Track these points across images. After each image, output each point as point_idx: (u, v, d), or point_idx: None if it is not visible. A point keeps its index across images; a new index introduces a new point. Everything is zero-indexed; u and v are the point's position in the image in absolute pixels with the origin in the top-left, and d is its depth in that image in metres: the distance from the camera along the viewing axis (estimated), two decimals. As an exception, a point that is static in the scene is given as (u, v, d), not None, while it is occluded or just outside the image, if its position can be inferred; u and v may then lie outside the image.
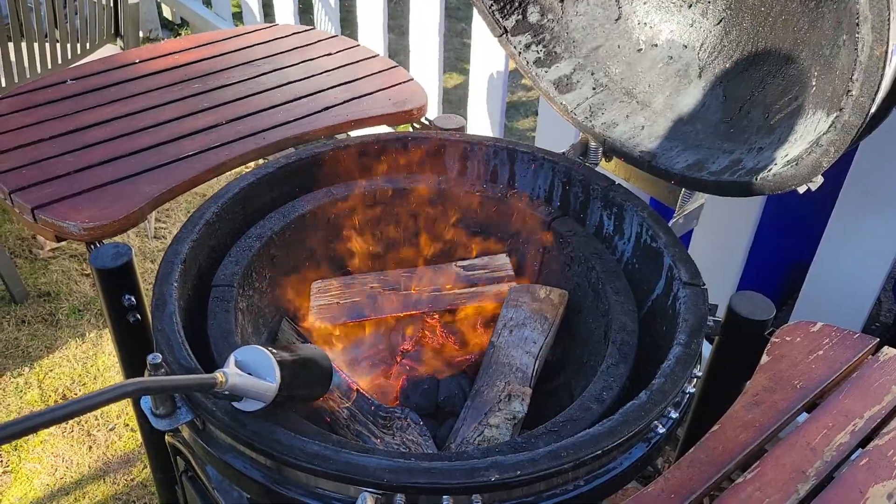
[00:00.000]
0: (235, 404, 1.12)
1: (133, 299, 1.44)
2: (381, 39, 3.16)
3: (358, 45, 2.22)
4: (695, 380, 1.27)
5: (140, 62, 2.03)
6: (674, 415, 1.19)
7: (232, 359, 1.10)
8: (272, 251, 1.57)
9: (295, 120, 1.81)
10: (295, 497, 1.11)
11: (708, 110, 1.60)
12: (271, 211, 1.61)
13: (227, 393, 1.07)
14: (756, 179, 1.36)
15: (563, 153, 1.75)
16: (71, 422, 2.72)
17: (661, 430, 1.17)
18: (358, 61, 2.11)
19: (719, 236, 2.12)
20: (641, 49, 1.73)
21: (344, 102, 1.90)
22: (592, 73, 1.75)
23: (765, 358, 1.25)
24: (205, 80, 1.96)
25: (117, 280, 1.41)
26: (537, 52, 1.74)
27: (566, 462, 1.07)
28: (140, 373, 1.18)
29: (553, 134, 2.44)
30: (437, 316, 1.63)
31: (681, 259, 1.43)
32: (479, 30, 2.67)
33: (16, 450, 2.64)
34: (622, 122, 1.70)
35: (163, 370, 1.10)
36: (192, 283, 1.43)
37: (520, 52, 1.73)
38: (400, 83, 1.99)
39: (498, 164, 1.74)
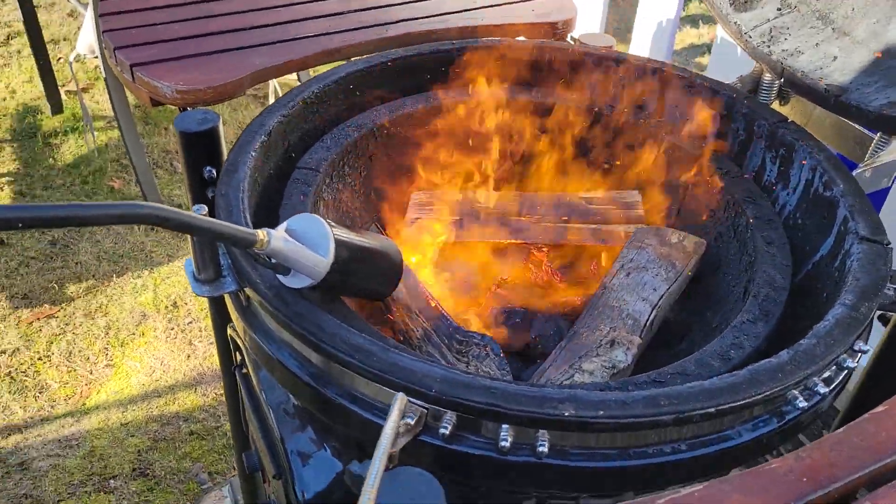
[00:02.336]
0: (282, 279, 0.96)
1: (214, 172, 1.32)
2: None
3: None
4: (859, 355, 0.98)
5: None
6: (822, 389, 0.91)
7: (284, 224, 0.94)
8: (372, 146, 1.40)
9: (424, 17, 1.63)
10: (334, 398, 0.93)
11: (925, 40, 1.27)
12: (380, 105, 1.44)
13: (272, 261, 0.91)
14: (984, 114, 1.04)
15: (729, 84, 1.46)
16: (175, 329, 2.72)
17: (803, 403, 0.89)
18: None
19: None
20: (846, -32, 1.41)
21: (482, 8, 1.70)
22: (779, -8, 1.45)
23: (962, 340, 0.94)
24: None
25: (199, 147, 1.29)
26: (714, -40, 1.46)
27: (665, 413, 0.82)
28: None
29: (727, 67, 2.12)
30: (545, 249, 1.41)
31: (861, 210, 1.12)
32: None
33: (122, 346, 2.67)
34: (809, 50, 1.39)
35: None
36: (275, 163, 1.29)
37: (692, -41, 1.45)
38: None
39: (646, 88, 1.48)
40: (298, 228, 0.94)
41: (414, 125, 1.44)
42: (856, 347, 0.96)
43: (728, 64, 2.18)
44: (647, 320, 1.19)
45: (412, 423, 0.86)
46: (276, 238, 0.89)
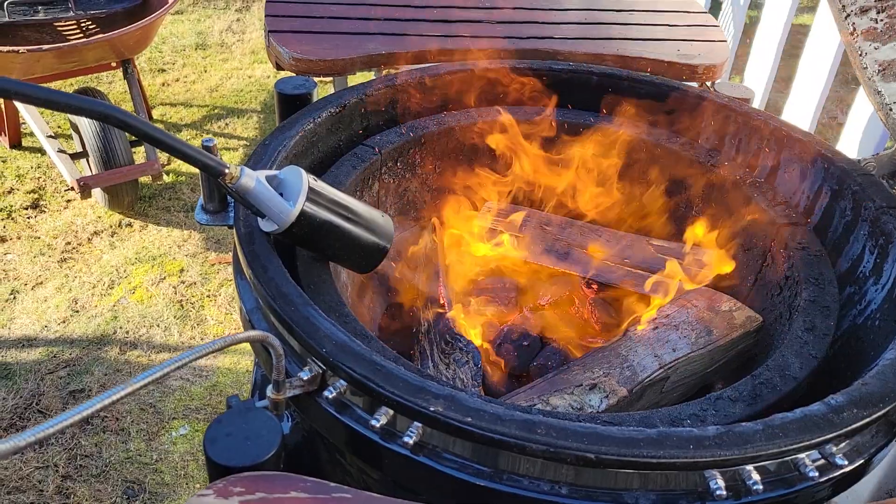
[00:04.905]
0: (260, 222, 1.01)
1: (301, 134, 1.41)
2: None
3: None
4: (837, 470, 0.81)
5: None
6: (757, 486, 0.77)
7: (272, 171, 0.99)
8: (453, 144, 1.41)
9: (558, 38, 1.61)
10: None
11: None
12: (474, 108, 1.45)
13: (245, 197, 0.95)
14: None
15: (859, 161, 1.28)
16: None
17: (721, 492, 0.76)
18: (681, 12, 1.81)
19: None
20: None
21: (623, 39, 1.63)
22: (944, 68, 1.25)
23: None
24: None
25: (292, 108, 1.39)
26: (874, 20, 1.29)
27: (536, 441, 0.75)
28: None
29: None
30: (595, 286, 1.32)
31: (924, 316, 0.93)
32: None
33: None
34: (956, 136, 1.18)
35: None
36: (347, 137, 1.35)
37: (847, 14, 1.30)
38: (703, 40, 1.65)
39: (762, 149, 1.34)
40: (285, 179, 0.99)
41: (504, 136, 1.43)
42: (829, 455, 0.80)
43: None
44: (648, 377, 1.07)
45: (305, 378, 0.87)
46: (248, 176, 0.94)
